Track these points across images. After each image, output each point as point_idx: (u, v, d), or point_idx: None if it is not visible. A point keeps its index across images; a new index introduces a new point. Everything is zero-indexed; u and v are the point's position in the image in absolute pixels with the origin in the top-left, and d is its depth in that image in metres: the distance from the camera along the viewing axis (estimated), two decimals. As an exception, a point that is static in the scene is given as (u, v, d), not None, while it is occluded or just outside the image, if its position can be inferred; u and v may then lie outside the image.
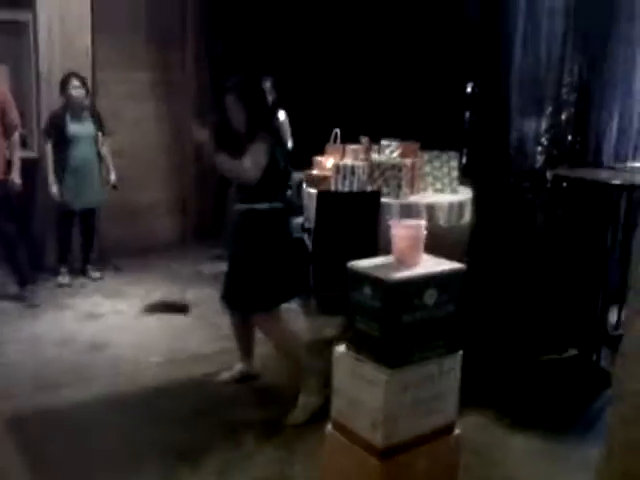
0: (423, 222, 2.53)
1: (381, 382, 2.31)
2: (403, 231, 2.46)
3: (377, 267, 2.43)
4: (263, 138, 3.28)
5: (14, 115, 4.93)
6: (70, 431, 3.23)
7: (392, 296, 2.30)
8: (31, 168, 5.49)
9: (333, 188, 4.81)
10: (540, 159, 4.10)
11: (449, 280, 2.42)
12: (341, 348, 2.52)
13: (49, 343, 4.27)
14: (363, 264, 2.48)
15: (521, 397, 3.52)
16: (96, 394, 3.59)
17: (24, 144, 5.60)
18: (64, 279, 5.42)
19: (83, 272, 5.64)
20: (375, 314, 2.35)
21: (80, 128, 5.27)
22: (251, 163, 3.23)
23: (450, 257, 2.54)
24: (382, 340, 2.33)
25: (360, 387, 2.40)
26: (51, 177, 5.22)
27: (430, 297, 2.36)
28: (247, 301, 3.41)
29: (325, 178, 4.94)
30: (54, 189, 5.21)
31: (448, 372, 2.48)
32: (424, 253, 2.50)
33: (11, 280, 5.11)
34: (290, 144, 5.70)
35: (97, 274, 5.65)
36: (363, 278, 2.41)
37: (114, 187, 5.50)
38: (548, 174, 3.93)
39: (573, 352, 3.96)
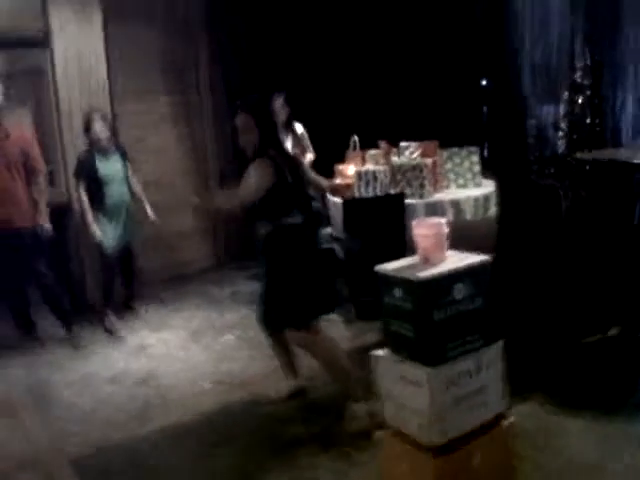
0: (444, 219, 2.56)
1: (423, 381, 2.35)
2: (425, 230, 2.50)
3: (404, 268, 2.48)
4: (262, 159, 3.31)
5: (38, 159, 4.93)
6: (133, 466, 3.30)
7: (421, 295, 2.34)
8: (62, 211, 5.60)
9: (357, 195, 4.86)
10: (561, 144, 4.09)
11: (476, 273, 2.44)
12: (380, 352, 2.57)
13: (101, 382, 4.37)
14: (391, 267, 2.52)
15: (568, 380, 3.50)
16: (153, 427, 3.66)
17: (51, 182, 5.63)
18: (112, 323, 5.33)
19: (128, 308, 5.66)
20: (407, 315, 2.39)
21: (110, 167, 5.19)
22: (246, 188, 3.27)
23: (480, 250, 2.57)
24: (417, 340, 2.37)
25: (404, 389, 2.45)
26: (89, 218, 5.11)
27: (459, 292, 2.39)
28: (281, 319, 3.46)
29: (348, 186, 5.00)
30: (97, 233, 5.11)
31: (489, 364, 2.50)
32: (449, 249, 2.54)
33: (57, 325, 5.22)
34: (311, 155, 5.77)
35: (142, 309, 5.68)
36: (392, 280, 2.46)
37: (154, 223, 5.45)
38: (570, 158, 3.92)
39: (616, 331, 3.92)
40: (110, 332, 5.25)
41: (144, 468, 3.26)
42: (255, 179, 3.27)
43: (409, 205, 4.68)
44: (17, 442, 3.62)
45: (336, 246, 4.59)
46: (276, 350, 3.77)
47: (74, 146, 5.33)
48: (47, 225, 4.92)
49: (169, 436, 3.56)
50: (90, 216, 5.11)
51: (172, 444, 3.48)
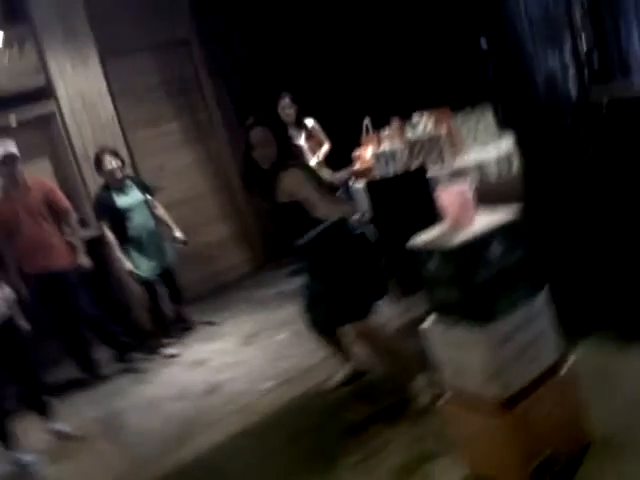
0: (467, 181, 2.59)
1: (478, 342, 2.40)
2: (450, 197, 2.54)
3: (436, 238, 2.52)
4: (289, 170, 3.34)
5: (62, 200, 5.05)
6: (216, 474, 3.41)
7: (459, 261, 2.38)
8: (98, 246, 5.71)
9: (378, 176, 4.90)
10: (573, 90, 4.06)
11: (508, 227, 2.47)
12: (428, 323, 2.62)
13: (166, 401, 4.50)
14: (422, 239, 2.57)
15: (621, 316, 3.49)
16: (224, 434, 3.75)
17: (84, 225, 5.79)
18: (171, 350, 5.40)
19: (181, 327, 5.73)
20: (449, 282, 2.44)
21: (127, 199, 5.19)
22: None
23: (510, 202, 2.59)
24: (464, 303, 2.42)
25: (459, 353, 2.50)
26: (119, 254, 5.14)
27: (496, 249, 2.43)
28: (347, 315, 3.47)
29: (369, 169, 5.04)
30: (127, 265, 5.14)
31: (539, 312, 2.54)
32: (476, 209, 2.57)
33: (115, 356, 5.40)
34: (327, 146, 5.84)
35: (197, 330, 5.73)
36: (428, 252, 2.51)
37: (184, 243, 5.48)
38: (584, 100, 3.89)
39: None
40: (168, 354, 5.36)
41: (227, 473, 3.36)
42: (292, 188, 3.30)
43: (432, 177, 4.70)
44: (99, 472, 3.77)
45: (365, 229, 4.68)
46: (330, 346, 3.86)
47: (97, 184, 5.41)
48: (85, 261, 5.07)
49: (243, 440, 3.65)
50: (117, 250, 5.13)
51: (249, 446, 3.58)
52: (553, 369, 2.55)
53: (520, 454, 2.42)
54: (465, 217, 2.53)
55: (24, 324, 4.31)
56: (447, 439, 2.85)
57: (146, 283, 5.39)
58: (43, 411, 4.32)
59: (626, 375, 3.00)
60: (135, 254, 5.20)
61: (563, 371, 2.57)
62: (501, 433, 2.43)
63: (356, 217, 4.62)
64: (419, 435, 3.06)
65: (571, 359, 2.63)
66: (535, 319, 2.52)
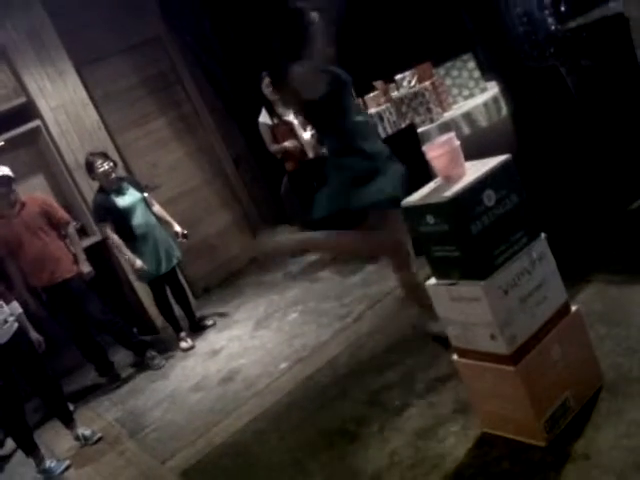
0: (452, 134, 2.53)
1: (481, 295, 2.34)
2: (437, 150, 2.47)
3: (429, 194, 2.46)
4: None
5: (59, 211, 5.10)
6: (240, 457, 3.41)
7: (453, 214, 2.32)
8: (102, 250, 5.78)
9: (370, 141, 4.81)
10: (552, 21, 3.97)
11: (500, 175, 2.41)
12: (432, 281, 2.57)
13: (186, 392, 4.51)
14: (416, 197, 2.51)
15: (625, 252, 3.43)
16: (246, 419, 3.75)
17: (86, 233, 5.89)
18: (186, 344, 5.37)
19: (197, 326, 5.65)
20: (445, 237, 2.38)
21: (127, 198, 5.16)
22: None
23: (505, 150, 2.52)
24: (463, 257, 2.36)
25: (465, 308, 2.44)
26: (128, 254, 5.08)
27: (489, 199, 2.37)
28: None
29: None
30: (138, 263, 5.06)
31: (540, 257, 2.48)
32: (467, 160, 2.51)
33: (131, 356, 5.45)
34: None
35: (210, 322, 5.68)
36: (421, 210, 2.45)
37: (184, 236, 5.37)
38: (563, 32, 3.81)
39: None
40: (183, 348, 5.35)
41: (254, 455, 3.36)
42: None
43: (424, 132, 4.62)
44: (126, 472, 3.78)
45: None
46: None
47: (93, 192, 5.39)
48: (87, 269, 5.13)
49: (267, 420, 3.64)
50: (125, 250, 5.09)
51: (271, 426, 3.55)
52: (560, 314, 2.49)
53: (533, 404, 2.37)
54: (455, 169, 2.46)
55: (35, 335, 4.34)
56: (462, 401, 2.83)
57: (154, 281, 5.35)
58: (66, 419, 4.35)
59: (636, 308, 2.95)
60: (143, 253, 5.16)
61: (570, 315, 2.52)
62: (512, 385, 2.38)
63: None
64: (435, 399, 3.03)
65: (578, 301, 2.58)
66: (536, 265, 2.46)
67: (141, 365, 5.31)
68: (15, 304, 4.22)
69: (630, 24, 3.23)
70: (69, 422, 4.35)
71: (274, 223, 6.97)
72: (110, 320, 5.20)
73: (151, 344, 5.51)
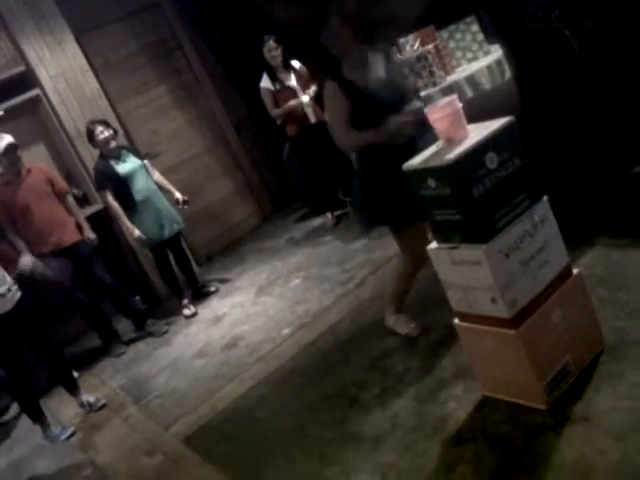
0: (454, 96, 2.49)
1: (482, 259, 2.33)
2: (439, 113, 2.44)
3: (430, 157, 2.44)
4: None
5: (60, 181, 5.19)
6: (245, 423, 3.42)
7: (455, 176, 2.30)
8: (103, 218, 5.77)
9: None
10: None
11: (502, 137, 2.38)
12: (433, 245, 2.56)
13: (190, 359, 4.52)
14: (418, 160, 2.49)
15: (627, 215, 3.40)
16: (250, 384, 3.77)
17: (88, 202, 5.90)
18: (189, 310, 5.38)
19: (200, 292, 5.65)
20: (447, 200, 2.36)
21: (127, 165, 5.13)
22: None
23: (509, 113, 2.49)
24: (464, 220, 2.35)
25: (466, 272, 2.43)
26: (127, 223, 5.09)
27: (491, 161, 2.34)
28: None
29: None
30: (136, 232, 5.06)
31: (542, 221, 2.46)
32: (469, 124, 2.47)
33: (132, 324, 5.46)
34: (315, 87, 5.66)
35: (212, 288, 5.67)
36: (422, 173, 2.42)
37: (185, 203, 5.31)
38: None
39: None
40: (186, 315, 5.37)
41: (254, 420, 3.39)
42: None
43: (426, 96, 4.56)
44: (131, 438, 3.81)
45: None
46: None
47: (94, 160, 5.37)
48: (92, 235, 5.18)
49: (269, 385, 3.67)
50: (125, 218, 5.09)
51: (274, 391, 3.59)
52: (562, 277, 2.48)
53: (534, 368, 2.37)
54: (457, 132, 2.43)
55: (50, 273, 4.58)
56: (463, 365, 2.83)
57: (156, 248, 5.34)
58: (71, 386, 4.38)
59: (638, 271, 2.94)
60: (144, 219, 5.15)
61: (572, 278, 2.51)
62: (513, 349, 2.38)
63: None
64: (436, 363, 3.04)
65: (580, 265, 2.57)
66: (540, 226, 2.44)
67: (144, 333, 5.32)
68: (25, 258, 4.51)
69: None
70: (73, 389, 4.39)
71: (276, 189, 6.99)
72: (115, 285, 5.22)
73: (154, 312, 5.53)
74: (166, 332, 5.20)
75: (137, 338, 5.34)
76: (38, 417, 4.18)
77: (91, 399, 4.34)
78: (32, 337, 4.15)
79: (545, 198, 2.48)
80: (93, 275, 5.13)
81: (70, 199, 5.24)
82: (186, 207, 5.36)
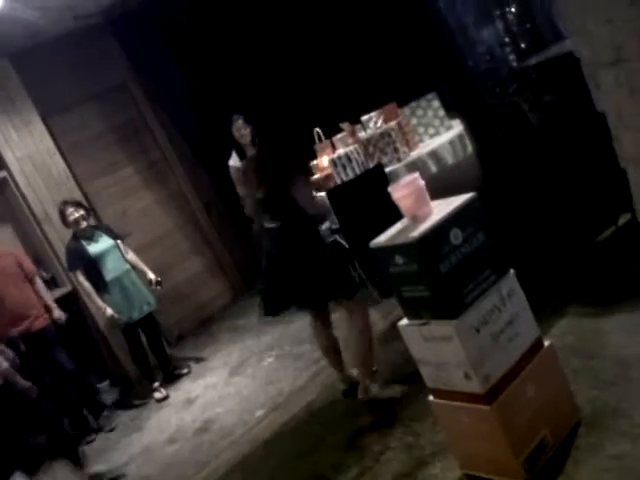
0: (416, 174, 2.53)
1: (453, 334, 2.32)
2: (402, 191, 2.47)
3: (397, 234, 2.46)
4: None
5: (28, 263, 5.18)
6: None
7: (421, 253, 2.32)
8: (72, 300, 5.68)
9: (338, 182, 4.83)
10: (513, 59, 4.05)
11: (466, 213, 2.42)
12: (403, 322, 2.55)
13: (161, 445, 4.40)
14: (384, 237, 2.50)
15: (596, 283, 3.44)
16: (224, 470, 3.67)
17: (56, 284, 5.82)
18: (160, 394, 5.27)
19: (172, 375, 5.53)
20: (414, 277, 2.37)
21: (99, 245, 5.14)
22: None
23: (472, 186, 2.53)
24: (433, 296, 2.35)
25: (437, 348, 2.42)
26: (98, 302, 5.05)
27: (456, 237, 2.37)
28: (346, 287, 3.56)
29: (328, 177, 4.96)
30: (108, 311, 5.01)
31: (509, 294, 2.47)
32: (432, 201, 2.51)
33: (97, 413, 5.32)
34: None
35: (184, 370, 5.56)
36: (389, 250, 2.44)
37: (158, 283, 5.31)
38: (523, 68, 3.89)
39: (626, 218, 3.84)
40: (158, 398, 5.24)
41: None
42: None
43: (392, 172, 4.63)
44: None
45: (338, 237, 4.61)
46: (321, 339, 3.87)
47: (62, 242, 5.38)
48: (60, 313, 5.09)
49: (243, 471, 3.57)
50: (96, 298, 5.07)
51: (248, 478, 3.49)
52: (534, 349, 2.48)
53: (510, 444, 2.34)
54: (421, 209, 2.47)
55: (25, 383, 4.39)
56: (440, 443, 2.79)
57: (128, 328, 5.27)
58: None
59: (610, 340, 2.95)
60: (114, 299, 5.11)
61: (544, 350, 2.50)
62: (489, 425, 2.35)
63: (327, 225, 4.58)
64: (413, 441, 2.98)
65: (551, 335, 2.57)
66: (506, 302, 2.45)
67: (115, 418, 5.19)
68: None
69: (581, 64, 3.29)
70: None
71: (248, 267, 6.96)
72: (76, 371, 5.15)
73: (123, 398, 5.45)
74: (138, 418, 5.05)
75: (109, 425, 5.17)
76: None
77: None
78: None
79: (511, 272, 2.50)
80: (55, 359, 5.02)
81: (38, 281, 5.18)
82: (159, 288, 5.31)
